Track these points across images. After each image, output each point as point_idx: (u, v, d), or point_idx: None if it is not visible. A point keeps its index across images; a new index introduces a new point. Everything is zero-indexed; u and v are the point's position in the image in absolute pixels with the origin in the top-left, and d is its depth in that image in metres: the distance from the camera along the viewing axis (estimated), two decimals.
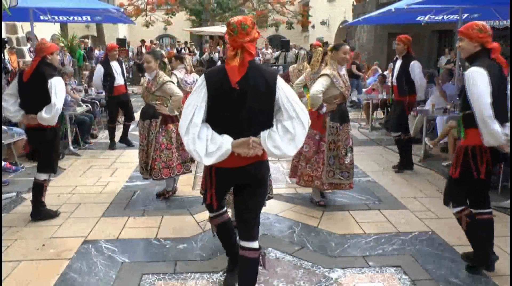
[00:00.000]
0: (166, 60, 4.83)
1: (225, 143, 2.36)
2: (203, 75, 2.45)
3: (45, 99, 3.91)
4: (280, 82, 2.43)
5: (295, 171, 4.72)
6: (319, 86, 4.19)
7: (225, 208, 3.02)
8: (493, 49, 3.02)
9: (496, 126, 2.86)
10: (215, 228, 2.98)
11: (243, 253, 2.58)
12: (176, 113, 4.67)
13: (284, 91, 2.41)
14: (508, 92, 3.14)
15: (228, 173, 2.52)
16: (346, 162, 4.43)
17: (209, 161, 2.38)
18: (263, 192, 2.63)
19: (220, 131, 2.39)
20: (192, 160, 5.16)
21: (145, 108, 4.73)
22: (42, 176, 4.22)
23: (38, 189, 4.22)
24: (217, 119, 2.41)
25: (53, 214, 4.30)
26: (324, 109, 4.31)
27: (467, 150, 3.08)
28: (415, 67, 5.59)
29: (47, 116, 3.91)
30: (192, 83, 6.28)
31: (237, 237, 2.87)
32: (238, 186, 2.63)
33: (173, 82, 4.61)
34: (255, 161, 2.48)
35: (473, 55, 3.07)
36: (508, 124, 3.02)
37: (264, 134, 2.40)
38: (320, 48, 6.17)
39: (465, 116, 3.09)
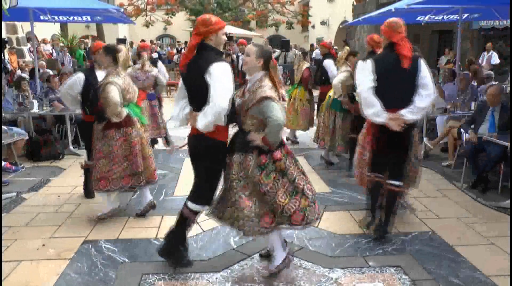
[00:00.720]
0: (122, 53, 4.17)
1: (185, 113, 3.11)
2: None
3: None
4: (213, 68, 2.84)
5: (362, 179, 4.19)
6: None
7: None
8: (396, 43, 3.51)
9: (372, 107, 3.51)
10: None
11: (182, 210, 3.21)
12: (116, 120, 4.03)
13: (212, 77, 2.83)
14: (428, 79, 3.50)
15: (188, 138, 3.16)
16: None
17: (173, 124, 3.33)
18: (200, 165, 3.11)
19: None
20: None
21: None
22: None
23: (85, 171, 4.84)
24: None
25: (91, 193, 4.77)
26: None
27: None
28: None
29: None
30: (144, 80, 6.19)
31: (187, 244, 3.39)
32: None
33: (116, 84, 3.96)
34: (195, 133, 3.02)
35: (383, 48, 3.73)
36: (411, 106, 3.48)
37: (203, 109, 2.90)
38: (347, 47, 6.53)
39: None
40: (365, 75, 3.56)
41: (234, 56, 10.24)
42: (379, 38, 5.42)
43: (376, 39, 5.30)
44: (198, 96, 2.96)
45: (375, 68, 3.52)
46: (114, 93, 3.90)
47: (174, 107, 3.17)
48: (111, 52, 4.06)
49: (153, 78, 6.35)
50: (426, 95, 3.49)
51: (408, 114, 3.49)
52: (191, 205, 3.18)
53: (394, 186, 3.73)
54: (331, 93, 5.93)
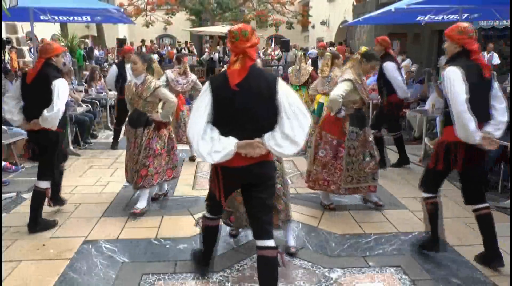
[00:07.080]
0: (155, 64, 4.57)
1: (230, 144, 2.46)
2: (208, 80, 2.56)
3: (48, 102, 3.70)
4: (281, 85, 2.51)
5: (309, 177, 4.54)
6: (339, 91, 4.11)
7: (220, 216, 3.11)
8: (472, 50, 3.13)
9: (471, 122, 2.96)
10: (203, 228, 3.11)
11: (262, 253, 2.61)
12: (169, 119, 4.46)
13: (285, 94, 2.49)
14: (499, 92, 3.20)
15: (234, 172, 2.58)
16: (365, 167, 4.30)
17: (211, 160, 2.50)
18: (271, 191, 2.70)
19: (225, 132, 2.49)
20: (193, 159, 5.25)
21: (135, 114, 4.36)
22: (44, 184, 3.95)
23: (40, 197, 3.94)
24: (221, 120, 2.50)
25: (51, 224, 4.06)
26: (343, 113, 4.22)
27: (443, 144, 3.26)
28: (388, 68, 5.61)
29: (48, 114, 3.68)
30: (185, 84, 6.30)
31: (217, 244, 3.20)
32: (246, 186, 2.68)
33: (165, 86, 4.41)
34: (260, 161, 2.55)
35: (453, 56, 3.21)
36: (492, 121, 3.13)
37: (267, 134, 2.50)
38: (328, 53, 6.22)
39: (445, 114, 3.24)
40: (460, 85, 3.01)
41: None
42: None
43: (388, 40, 5.40)
44: (262, 118, 2.50)
45: (465, 78, 3.03)
46: (171, 95, 4.37)
47: (199, 144, 2.48)
48: (148, 60, 4.41)
49: (193, 83, 6.44)
50: (503, 108, 3.16)
51: (495, 131, 3.13)
52: (274, 242, 2.68)
53: (482, 209, 3.41)
54: (321, 99, 5.81)
